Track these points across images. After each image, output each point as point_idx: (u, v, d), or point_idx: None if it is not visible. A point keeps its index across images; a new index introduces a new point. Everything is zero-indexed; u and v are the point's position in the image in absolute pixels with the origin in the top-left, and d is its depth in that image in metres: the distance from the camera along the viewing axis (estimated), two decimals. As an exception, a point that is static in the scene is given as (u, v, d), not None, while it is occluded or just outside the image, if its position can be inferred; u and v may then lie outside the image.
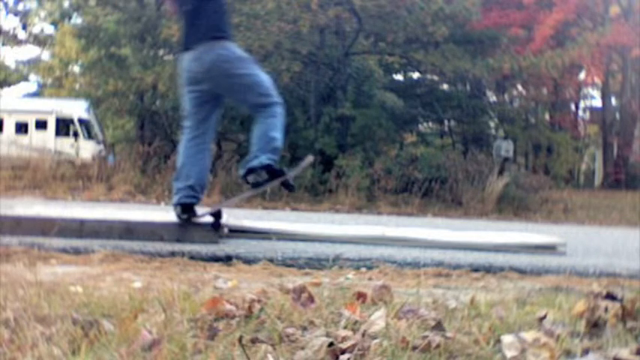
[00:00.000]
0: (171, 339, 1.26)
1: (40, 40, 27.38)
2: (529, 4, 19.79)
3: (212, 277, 2.33)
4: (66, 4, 19.12)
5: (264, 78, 3.60)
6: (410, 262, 3.15)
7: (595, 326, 1.44)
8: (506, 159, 15.48)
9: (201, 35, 3.53)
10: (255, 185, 3.59)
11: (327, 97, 14.47)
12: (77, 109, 18.89)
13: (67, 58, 24.20)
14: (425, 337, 1.27)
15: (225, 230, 3.79)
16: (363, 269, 2.79)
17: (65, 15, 19.05)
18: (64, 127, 18.69)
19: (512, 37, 17.50)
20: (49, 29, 26.48)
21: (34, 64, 28.58)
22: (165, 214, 4.25)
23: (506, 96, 24.54)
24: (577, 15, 20.87)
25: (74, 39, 18.47)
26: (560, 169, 22.69)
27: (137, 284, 2.10)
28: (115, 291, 1.89)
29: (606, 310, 1.49)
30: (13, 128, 18.57)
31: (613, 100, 24.46)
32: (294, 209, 9.52)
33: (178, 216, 3.61)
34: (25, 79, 29.52)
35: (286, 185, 3.64)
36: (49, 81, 28.22)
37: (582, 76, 23.32)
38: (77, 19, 18.54)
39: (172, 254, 3.01)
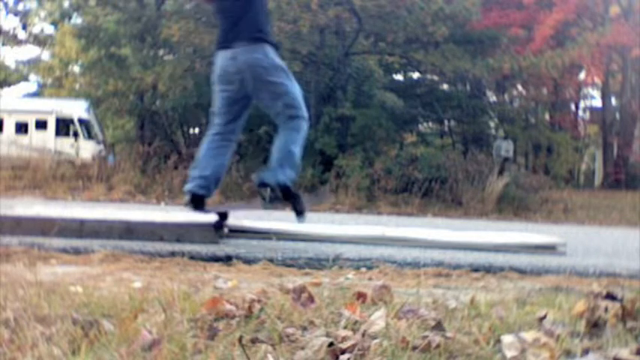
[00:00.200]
0: (171, 339, 1.26)
1: (40, 40, 27.39)
2: (529, 4, 19.79)
3: (212, 277, 2.33)
4: (66, 4, 19.14)
5: (296, 91, 3.56)
6: (410, 262, 3.14)
7: (595, 326, 1.44)
8: (506, 159, 15.49)
9: (241, 35, 3.48)
10: (267, 201, 3.58)
11: (327, 97, 14.47)
12: (77, 109, 18.90)
13: (67, 58, 24.21)
14: (425, 337, 1.27)
15: (225, 230, 3.79)
16: (363, 269, 2.79)
17: (65, 15, 19.07)
18: (64, 127, 18.70)
19: (512, 37, 17.50)
20: (49, 29, 26.53)
21: (34, 64, 28.60)
22: (166, 214, 4.24)
23: (506, 96, 24.54)
24: (577, 15, 20.87)
25: (74, 39, 18.48)
26: (560, 169, 22.69)
27: (137, 284, 2.10)
28: (115, 291, 1.89)
29: (606, 310, 1.49)
30: (13, 128, 18.58)
31: (613, 100, 24.47)
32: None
33: (186, 204, 3.61)
34: (25, 79, 29.54)
35: (297, 211, 3.61)
36: (49, 81, 28.22)
37: (582, 76, 23.33)
38: (77, 19, 18.56)
39: (172, 254, 3.01)
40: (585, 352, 1.27)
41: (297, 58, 14.70)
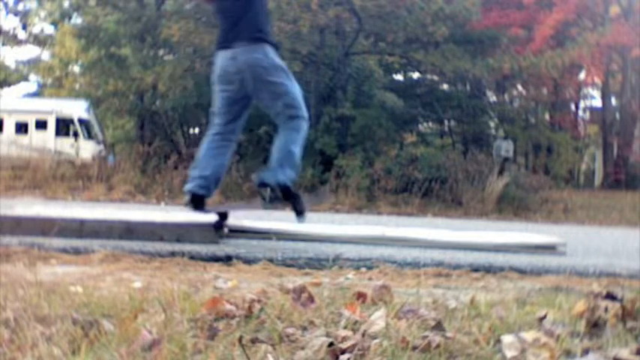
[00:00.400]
0: (171, 339, 1.26)
1: (40, 40, 27.39)
2: (529, 4, 19.79)
3: (212, 277, 2.33)
4: (66, 4, 19.14)
5: (296, 91, 3.56)
6: (410, 262, 3.14)
7: (595, 326, 1.44)
8: (506, 159, 15.49)
9: (241, 35, 3.48)
10: (267, 201, 3.58)
11: (327, 97, 14.48)
12: (77, 109, 18.90)
13: (67, 58, 24.22)
14: (425, 337, 1.27)
15: (225, 230, 3.79)
16: (363, 269, 2.79)
17: (65, 15, 19.08)
18: (64, 127, 18.70)
19: (512, 37, 17.50)
20: (49, 29, 26.53)
21: (34, 64, 28.60)
22: (166, 214, 4.24)
23: (506, 96, 24.54)
24: (577, 15, 20.87)
25: (74, 39, 18.49)
26: (560, 169, 22.69)
27: (137, 284, 2.10)
28: (115, 291, 1.89)
29: (606, 310, 1.49)
30: (13, 128, 18.58)
31: (613, 100, 24.46)
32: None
33: (186, 204, 3.61)
34: (25, 79, 29.54)
35: (297, 211, 3.60)
36: (49, 81, 28.23)
37: (582, 76, 23.33)
38: (77, 19, 18.56)
39: (172, 254, 3.01)
40: (585, 352, 1.27)
41: (297, 58, 14.70)
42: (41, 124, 18.77)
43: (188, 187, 3.67)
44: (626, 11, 21.02)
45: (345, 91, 14.12)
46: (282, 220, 4.23)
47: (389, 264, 2.94)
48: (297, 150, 3.56)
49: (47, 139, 17.80)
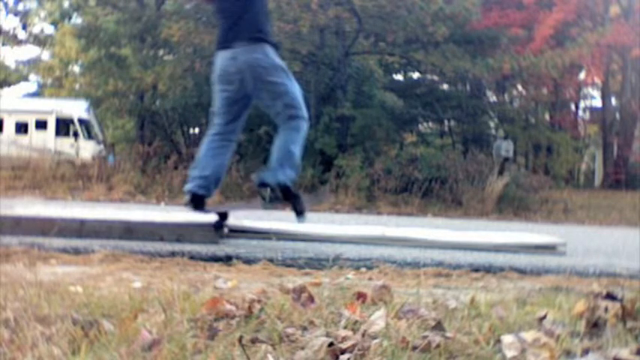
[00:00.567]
0: (171, 339, 1.26)
1: (40, 40, 27.39)
2: (529, 4, 19.79)
3: (212, 277, 2.33)
4: (66, 4, 19.13)
5: (296, 90, 3.56)
6: (410, 262, 3.14)
7: (595, 326, 1.44)
8: (506, 159, 15.49)
9: (241, 35, 3.47)
10: (267, 201, 3.58)
11: (327, 97, 14.48)
12: (77, 109, 18.89)
13: (67, 58, 24.22)
14: (425, 337, 1.27)
15: (225, 230, 3.79)
16: (363, 269, 2.79)
17: (65, 15, 19.06)
18: (64, 127, 18.69)
19: (512, 37, 17.50)
20: (49, 29, 26.53)
21: (34, 64, 28.60)
22: (166, 214, 4.24)
23: (506, 96, 24.54)
24: (577, 15, 20.87)
25: (74, 39, 18.49)
26: (560, 169, 22.69)
27: (137, 284, 2.10)
28: (115, 291, 1.89)
29: (606, 310, 1.48)
30: (13, 128, 18.58)
31: (613, 100, 24.46)
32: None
33: (186, 204, 3.61)
34: (25, 79, 29.54)
35: (297, 211, 3.60)
36: (49, 81, 28.23)
37: (582, 76, 23.33)
38: (77, 19, 18.55)
39: (172, 254, 3.01)
40: (585, 352, 1.27)
41: (297, 58, 14.70)
42: (41, 124, 18.76)
43: (188, 187, 3.67)
44: (626, 11, 21.03)
45: (345, 91, 14.12)
46: (282, 220, 4.22)
47: (389, 264, 2.94)
48: (297, 150, 3.55)
49: (47, 139, 17.80)
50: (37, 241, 3.09)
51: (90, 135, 18.78)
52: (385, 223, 5.80)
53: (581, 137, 26.96)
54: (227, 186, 11.08)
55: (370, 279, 2.43)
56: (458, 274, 2.81)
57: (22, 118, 18.82)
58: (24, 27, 27.30)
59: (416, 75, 20.01)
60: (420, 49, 14.93)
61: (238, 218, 4.05)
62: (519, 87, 24.41)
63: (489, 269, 3.02)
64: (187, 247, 3.25)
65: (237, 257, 3.04)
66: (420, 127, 21.10)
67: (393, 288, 1.81)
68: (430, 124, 22.22)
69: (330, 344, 1.21)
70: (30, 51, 43.66)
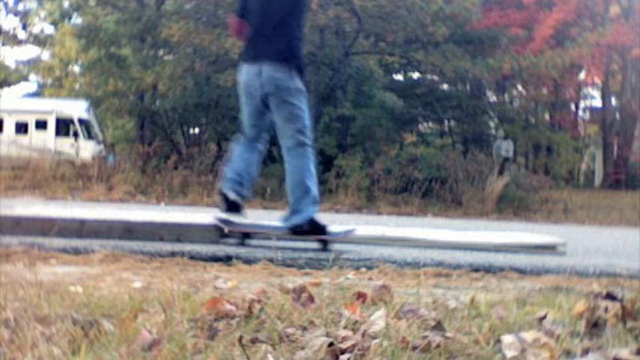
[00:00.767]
0: (171, 339, 1.26)
1: (40, 40, 27.38)
2: (529, 4, 19.79)
3: (212, 277, 2.33)
4: (66, 4, 19.14)
5: (307, 118, 3.62)
6: (410, 262, 3.14)
7: (595, 326, 1.44)
8: (506, 159, 15.49)
9: (270, 52, 3.52)
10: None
11: (327, 97, 14.48)
12: (77, 109, 18.88)
13: (67, 58, 24.22)
14: (425, 337, 1.27)
15: (226, 230, 3.79)
16: (363, 269, 2.79)
17: (65, 15, 19.07)
18: (64, 127, 18.68)
19: (512, 37, 17.51)
20: (49, 29, 26.52)
21: (34, 64, 28.59)
22: (166, 214, 4.25)
23: (506, 96, 24.54)
24: (577, 15, 20.87)
25: (74, 39, 18.49)
26: (560, 169, 22.69)
27: (137, 284, 2.10)
28: (115, 291, 1.89)
29: (606, 310, 1.48)
30: (13, 128, 18.56)
31: (613, 100, 24.45)
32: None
33: (221, 207, 3.64)
34: (25, 79, 29.52)
35: (323, 243, 3.61)
36: (49, 81, 28.22)
37: (582, 76, 23.33)
38: (77, 19, 18.56)
39: (172, 254, 3.02)
40: (585, 352, 1.27)
41: (297, 58, 14.68)
42: (41, 124, 18.75)
43: (222, 187, 3.71)
44: (626, 11, 21.03)
45: (345, 91, 14.12)
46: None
47: (389, 264, 2.94)
48: (314, 184, 3.59)
49: (47, 139, 17.78)
50: (37, 241, 3.09)
51: (90, 135, 18.77)
52: (385, 223, 5.80)
53: (581, 137, 26.95)
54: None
55: (370, 279, 2.43)
56: (458, 274, 2.81)
57: (22, 118, 18.81)
58: (24, 27, 27.30)
59: (416, 75, 20.02)
60: (420, 49, 14.93)
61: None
62: (519, 87, 24.40)
63: (489, 269, 3.02)
64: (187, 247, 3.25)
65: (237, 257, 3.04)
66: (420, 127, 21.10)
67: (393, 288, 1.81)
68: (430, 124, 22.22)
69: (330, 344, 1.21)
70: (30, 51, 43.71)
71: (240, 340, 1.22)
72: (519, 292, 2.12)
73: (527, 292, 2.09)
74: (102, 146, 17.21)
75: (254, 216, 4.45)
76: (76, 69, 24.90)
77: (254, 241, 3.67)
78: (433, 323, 1.38)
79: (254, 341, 1.26)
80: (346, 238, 3.74)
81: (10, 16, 27.50)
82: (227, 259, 3.01)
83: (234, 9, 3.99)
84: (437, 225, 6.54)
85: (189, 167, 11.79)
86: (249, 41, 3.66)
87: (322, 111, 13.85)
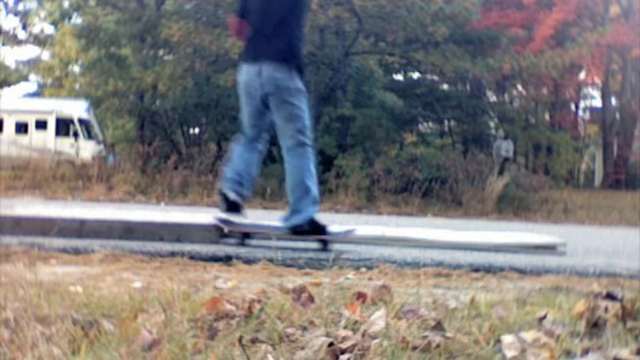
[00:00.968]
0: (171, 339, 1.26)
1: (40, 40, 27.38)
2: (529, 4, 19.79)
3: (212, 277, 2.33)
4: (66, 4, 19.14)
5: (307, 118, 3.62)
6: (410, 262, 3.14)
7: (595, 326, 1.44)
8: (506, 159, 15.49)
9: (270, 52, 3.52)
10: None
11: (327, 97, 14.47)
12: (77, 109, 18.88)
13: (67, 58, 24.21)
14: (425, 337, 1.27)
15: (226, 230, 3.79)
16: (363, 269, 2.79)
17: (65, 15, 19.07)
18: (64, 127, 18.67)
19: (512, 37, 17.51)
20: (49, 29, 26.52)
21: (34, 64, 28.58)
22: (166, 214, 4.25)
23: (506, 96, 24.54)
24: (577, 15, 20.87)
25: (74, 39, 18.48)
26: (560, 169, 22.69)
27: (137, 284, 2.10)
28: (115, 291, 1.89)
29: (606, 310, 1.48)
30: (13, 128, 18.56)
31: (613, 100, 24.45)
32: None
33: (220, 206, 3.64)
34: (25, 79, 29.51)
35: (323, 243, 3.61)
36: (49, 81, 28.21)
37: (582, 76, 23.32)
38: (77, 19, 18.56)
39: (172, 254, 3.02)
40: (585, 352, 1.27)
41: (297, 58, 14.68)
42: (41, 124, 18.74)
43: (221, 189, 3.71)
44: (626, 11, 21.03)
45: (345, 91, 14.11)
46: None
47: (389, 264, 2.94)
48: (314, 184, 3.58)
49: (47, 139, 17.78)
50: (37, 241, 3.09)
51: (90, 135, 18.77)
52: (385, 223, 5.80)
53: (581, 137, 26.95)
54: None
55: (370, 279, 2.43)
56: (458, 274, 2.81)
57: (22, 118, 18.81)
58: (24, 27, 27.29)
59: (416, 75, 20.01)
60: (420, 49, 14.93)
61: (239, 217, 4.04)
62: (519, 87, 24.40)
63: (489, 269, 3.02)
64: (187, 247, 3.25)
65: (237, 257, 3.04)
66: (420, 127, 21.10)
67: (393, 288, 1.81)
68: (430, 124, 22.22)
69: (330, 344, 1.21)
70: (30, 51, 43.69)
71: (240, 340, 1.22)
72: (519, 292, 2.12)
73: (527, 292, 2.09)
74: (102, 146, 17.21)
75: (254, 216, 4.44)
76: (76, 69, 24.91)
77: (254, 241, 3.67)
78: (433, 323, 1.38)
79: (254, 341, 1.26)
80: (346, 238, 3.74)
81: (10, 16, 27.51)
82: (227, 259, 3.01)
83: (234, 9, 3.99)
84: (437, 225, 6.54)
85: (189, 167, 11.79)
86: (249, 41, 3.66)
87: (322, 111, 13.84)
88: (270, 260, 2.92)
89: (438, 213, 10.63)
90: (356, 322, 1.41)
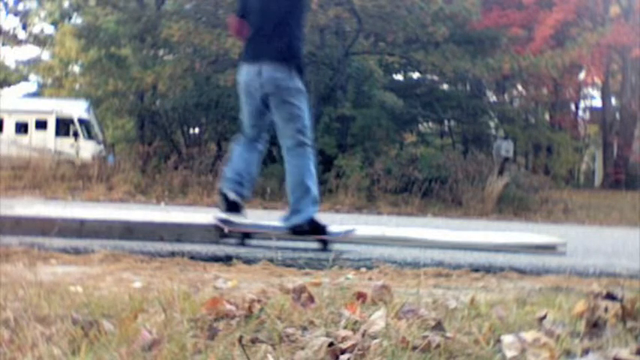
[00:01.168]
0: (171, 339, 1.26)
1: (40, 40, 27.38)
2: (529, 4, 19.80)
3: (212, 277, 2.33)
4: (66, 4, 19.16)
5: (307, 118, 3.62)
6: (410, 262, 3.14)
7: (595, 326, 1.44)
8: (506, 159, 15.49)
9: (270, 52, 3.52)
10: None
11: (327, 97, 14.47)
12: (77, 109, 18.88)
13: (67, 58, 24.20)
14: (425, 337, 1.27)
15: (226, 230, 3.79)
16: (363, 269, 2.79)
17: (65, 15, 19.08)
18: (64, 127, 18.67)
19: (512, 37, 17.50)
20: (49, 29, 26.52)
21: (34, 64, 28.57)
22: (166, 214, 4.25)
23: (506, 96, 24.54)
24: (577, 15, 20.87)
25: (74, 39, 18.48)
26: (560, 169, 22.70)
27: (137, 284, 2.10)
28: (115, 291, 1.89)
29: (606, 310, 1.48)
30: (13, 128, 18.56)
31: (613, 100, 24.46)
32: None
33: (220, 206, 3.63)
34: (25, 79, 29.50)
35: (323, 242, 3.61)
36: (49, 81, 28.21)
37: (582, 76, 23.33)
38: (77, 19, 18.56)
39: (172, 254, 3.02)
40: (585, 352, 1.27)
41: (297, 58, 14.68)
42: (41, 124, 18.74)
43: (221, 189, 3.71)
44: (626, 11, 21.03)
45: (345, 91, 14.11)
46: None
47: (389, 264, 2.94)
48: (313, 184, 3.58)
49: (47, 139, 17.78)
50: (37, 241, 3.09)
51: (90, 135, 18.77)
52: (385, 223, 5.80)
53: (581, 137, 26.97)
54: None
55: (370, 279, 2.43)
56: (458, 274, 2.81)
57: (22, 118, 18.80)
58: (24, 27, 27.29)
59: (416, 75, 19.99)
60: (420, 49, 14.91)
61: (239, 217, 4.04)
62: (519, 87, 24.42)
63: (489, 269, 3.02)
64: (187, 247, 3.25)
65: (237, 257, 3.04)
66: (420, 127, 21.09)
67: (393, 288, 1.81)
68: (430, 124, 22.22)
69: (330, 344, 1.21)
70: (30, 51, 43.68)
71: (240, 340, 1.22)
72: (519, 292, 2.12)
73: (527, 292, 2.09)
74: (102, 146, 17.21)
75: (254, 216, 4.44)
76: (76, 69, 24.90)
77: (254, 241, 3.67)
78: (433, 323, 1.38)
79: (254, 341, 1.26)
80: (346, 238, 3.73)
81: (10, 16, 27.52)
82: (227, 259, 3.01)
83: (234, 9, 3.99)
84: (437, 225, 6.54)
85: (189, 167, 11.80)
86: (249, 41, 3.66)
87: (322, 111, 13.84)
88: (270, 260, 2.92)
89: (438, 213, 10.63)
90: (356, 322, 1.41)
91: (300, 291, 1.62)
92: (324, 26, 13.90)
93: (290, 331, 1.33)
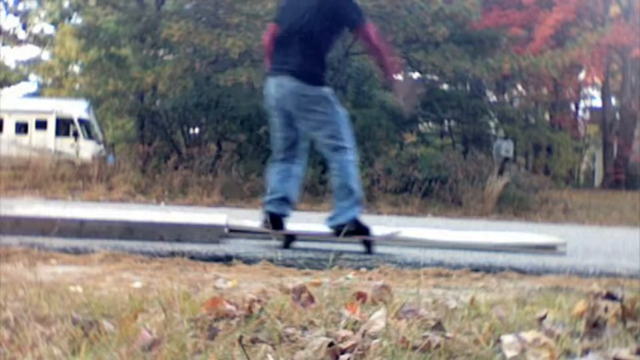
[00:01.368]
0: (171, 339, 1.26)
1: (40, 40, 27.36)
2: (529, 4, 19.79)
3: (212, 277, 2.33)
4: (66, 4, 19.14)
5: (339, 120, 3.57)
6: (410, 262, 3.14)
7: (595, 326, 1.44)
8: (506, 159, 15.48)
9: (294, 67, 3.51)
10: (266, 225, 3.62)
11: (327, 97, 14.44)
12: (77, 109, 18.88)
13: (67, 58, 24.19)
14: (425, 337, 1.27)
15: (226, 230, 3.79)
16: (363, 269, 2.79)
17: (65, 15, 19.07)
18: (64, 127, 18.66)
19: (512, 37, 17.48)
20: (49, 29, 26.50)
21: (34, 64, 28.56)
22: (166, 214, 4.25)
23: (506, 96, 24.53)
24: (577, 15, 20.86)
25: (74, 39, 18.47)
26: (560, 169, 22.69)
27: (137, 284, 2.10)
28: (115, 291, 1.89)
29: (606, 310, 1.48)
30: (13, 128, 18.55)
31: (613, 100, 24.45)
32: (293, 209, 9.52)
33: (266, 225, 3.61)
34: (25, 79, 29.49)
35: (367, 244, 3.59)
36: (49, 81, 28.20)
37: (582, 76, 23.32)
38: (77, 19, 18.55)
39: (172, 254, 3.01)
40: (585, 352, 1.27)
41: (297, 58, 14.68)
42: (41, 124, 18.74)
43: (266, 208, 3.66)
44: (626, 11, 21.02)
45: (345, 91, 14.10)
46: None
47: (389, 264, 2.94)
48: (356, 185, 3.57)
49: (47, 139, 17.77)
50: (37, 241, 3.09)
51: (90, 135, 18.76)
52: (385, 223, 5.79)
53: (581, 137, 26.95)
54: (227, 186, 11.09)
55: (370, 279, 2.43)
56: (458, 274, 2.81)
57: (22, 118, 18.80)
58: (24, 27, 27.28)
59: (416, 75, 19.99)
60: (420, 49, 14.90)
61: (239, 218, 4.04)
62: (519, 87, 24.40)
63: (489, 269, 3.02)
64: (187, 247, 3.25)
65: (237, 257, 3.04)
66: (420, 127, 21.06)
67: (393, 288, 1.81)
68: (430, 124, 22.18)
69: (330, 344, 1.21)
70: (30, 51, 43.68)
71: (240, 340, 1.22)
72: (519, 292, 2.12)
73: (527, 292, 2.09)
74: (102, 146, 17.19)
75: (254, 216, 4.45)
76: (76, 69, 24.89)
77: (254, 242, 3.67)
78: (433, 323, 1.38)
79: (254, 341, 1.26)
80: (390, 240, 3.73)
81: (10, 16, 27.50)
82: (227, 259, 3.01)
83: (274, 17, 3.95)
84: (437, 225, 6.54)
85: (189, 167, 11.79)
86: (275, 53, 3.65)
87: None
88: (270, 260, 2.92)
89: (438, 213, 10.62)
90: (356, 322, 1.41)
91: (300, 291, 1.62)
92: (324, 26, 13.87)
93: (290, 331, 1.33)
